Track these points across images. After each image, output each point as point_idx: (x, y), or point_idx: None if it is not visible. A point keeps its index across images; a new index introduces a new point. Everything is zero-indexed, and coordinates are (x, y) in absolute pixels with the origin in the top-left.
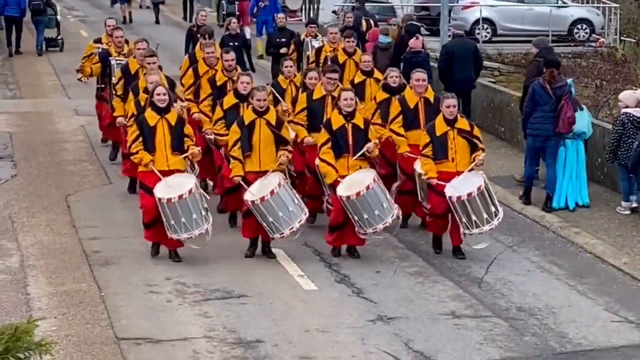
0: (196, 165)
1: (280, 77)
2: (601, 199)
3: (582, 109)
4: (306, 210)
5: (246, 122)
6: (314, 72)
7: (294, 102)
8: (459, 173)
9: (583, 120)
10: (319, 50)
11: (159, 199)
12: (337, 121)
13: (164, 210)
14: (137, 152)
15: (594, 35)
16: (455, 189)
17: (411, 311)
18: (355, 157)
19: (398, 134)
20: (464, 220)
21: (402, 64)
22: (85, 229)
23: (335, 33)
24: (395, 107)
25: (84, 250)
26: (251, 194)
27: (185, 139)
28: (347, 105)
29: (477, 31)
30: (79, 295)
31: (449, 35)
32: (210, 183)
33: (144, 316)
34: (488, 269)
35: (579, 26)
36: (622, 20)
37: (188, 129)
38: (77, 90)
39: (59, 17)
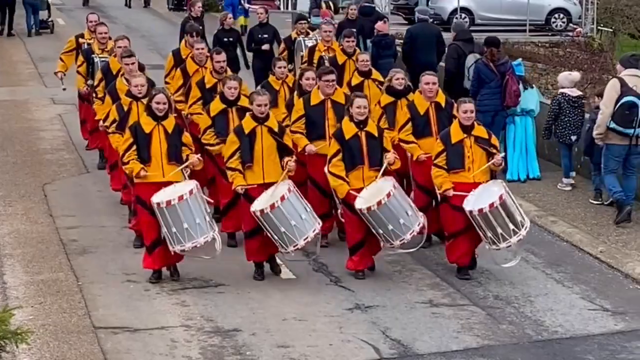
0: (185, 174)
1: (272, 78)
2: (577, 188)
3: (532, 87)
4: (319, 219)
5: (246, 131)
6: (310, 72)
7: (288, 105)
8: (475, 184)
9: (533, 99)
10: (312, 49)
11: (158, 204)
12: (349, 130)
13: (164, 217)
14: (128, 162)
15: (571, 24)
16: (475, 202)
17: (389, 300)
18: (381, 172)
19: (408, 142)
20: (489, 235)
21: (370, 47)
22: (62, 217)
23: (330, 31)
24: (403, 114)
25: (61, 239)
26: (259, 203)
27: (184, 147)
28: (360, 113)
29: (454, 20)
30: (56, 284)
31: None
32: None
33: (121, 305)
34: None
35: (557, 15)
36: (599, 9)
37: (187, 138)
38: (54, 78)
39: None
